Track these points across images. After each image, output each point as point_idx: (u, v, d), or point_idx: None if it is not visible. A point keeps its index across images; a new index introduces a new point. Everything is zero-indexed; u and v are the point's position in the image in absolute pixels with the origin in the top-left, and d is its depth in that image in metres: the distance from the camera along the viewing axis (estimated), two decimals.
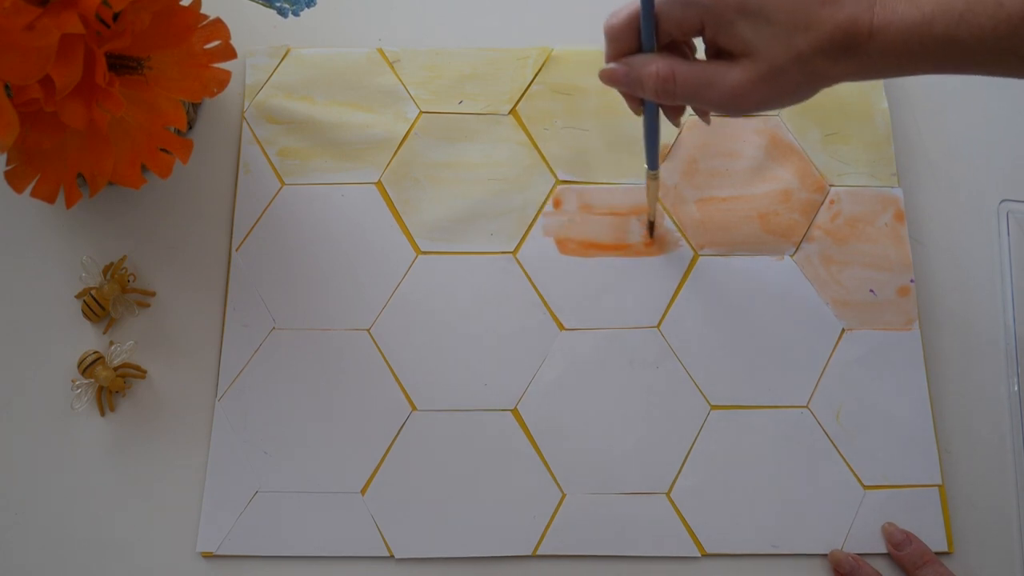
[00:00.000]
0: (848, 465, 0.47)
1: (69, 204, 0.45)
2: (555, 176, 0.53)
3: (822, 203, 0.52)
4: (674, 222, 0.52)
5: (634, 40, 0.39)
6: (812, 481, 0.47)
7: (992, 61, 0.36)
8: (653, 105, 0.43)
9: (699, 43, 0.41)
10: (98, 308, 0.49)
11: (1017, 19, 0.34)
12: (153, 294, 0.51)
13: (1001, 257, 0.52)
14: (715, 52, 0.39)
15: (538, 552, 0.46)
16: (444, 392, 0.49)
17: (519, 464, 0.47)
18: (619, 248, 0.51)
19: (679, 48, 0.41)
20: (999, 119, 0.55)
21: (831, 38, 0.36)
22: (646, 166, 0.47)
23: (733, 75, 0.38)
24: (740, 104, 0.38)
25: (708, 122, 0.45)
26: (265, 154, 0.53)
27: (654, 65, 0.39)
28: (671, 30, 0.39)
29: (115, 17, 0.40)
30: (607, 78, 0.40)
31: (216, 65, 0.45)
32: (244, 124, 0.54)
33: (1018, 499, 0.47)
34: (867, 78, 0.38)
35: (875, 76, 0.38)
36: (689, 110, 0.44)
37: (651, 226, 0.51)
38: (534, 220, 0.52)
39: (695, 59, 0.39)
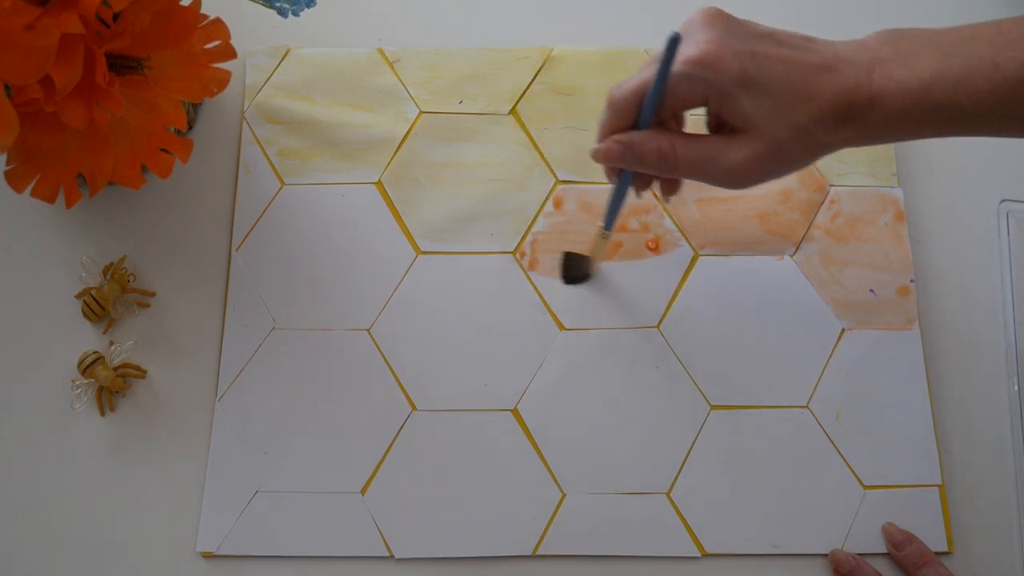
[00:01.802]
0: (848, 465, 0.47)
1: (69, 204, 0.45)
2: (555, 176, 0.53)
3: (822, 203, 0.52)
4: (674, 222, 0.52)
5: (633, 114, 0.39)
6: (812, 481, 0.47)
7: (992, 124, 0.36)
8: (629, 176, 0.42)
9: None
10: (98, 308, 0.49)
11: (1014, 82, 0.34)
12: (153, 294, 0.51)
13: (1001, 257, 0.52)
14: (717, 125, 0.39)
15: (538, 552, 0.46)
16: (444, 392, 0.49)
17: (519, 464, 0.47)
18: (619, 248, 0.51)
19: (667, 124, 0.40)
20: None
21: (831, 107, 0.36)
22: (602, 226, 0.46)
23: (734, 153, 0.37)
24: (741, 181, 0.38)
25: (669, 199, 0.45)
26: (265, 154, 0.53)
27: (655, 142, 0.38)
28: (675, 104, 0.38)
29: (115, 17, 0.40)
30: (604, 157, 0.39)
31: (216, 65, 0.45)
32: (244, 124, 0.54)
33: (1018, 499, 0.47)
34: (867, 144, 0.38)
35: (875, 142, 0.38)
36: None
37: (587, 276, 0.51)
38: (534, 220, 0.52)
39: (694, 135, 0.39)
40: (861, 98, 0.36)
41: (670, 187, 0.44)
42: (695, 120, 0.42)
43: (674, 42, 0.36)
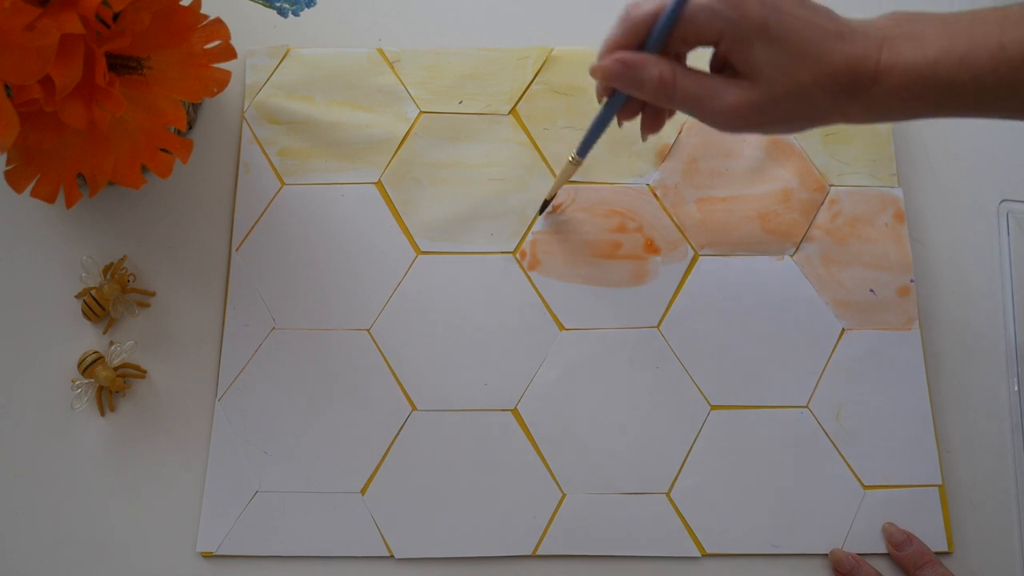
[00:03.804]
0: (848, 465, 0.47)
1: (69, 204, 0.45)
2: (555, 176, 0.53)
3: (822, 203, 0.52)
4: (674, 222, 0.52)
5: (643, 36, 0.38)
6: (812, 481, 0.47)
7: (992, 102, 0.36)
8: (619, 100, 0.41)
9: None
10: (98, 308, 0.49)
11: (1018, 62, 0.35)
12: (153, 294, 0.51)
13: (1001, 257, 0.52)
14: (721, 66, 0.39)
15: (538, 552, 0.46)
16: (444, 392, 0.49)
17: (519, 464, 0.47)
18: (619, 248, 0.51)
19: (670, 57, 0.40)
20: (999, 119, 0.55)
21: (837, 75, 0.36)
22: (575, 152, 0.46)
23: (732, 94, 0.37)
24: (733, 124, 0.38)
25: (644, 138, 0.44)
26: (265, 154, 0.53)
27: (657, 68, 0.38)
28: (687, 35, 0.37)
29: (115, 17, 0.40)
30: (603, 74, 0.38)
31: (216, 65, 0.45)
32: (244, 124, 0.54)
33: (1018, 499, 0.47)
34: (868, 121, 0.38)
35: (877, 119, 0.38)
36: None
37: (545, 204, 0.51)
38: (534, 220, 0.52)
39: (696, 69, 0.39)
40: (868, 70, 0.36)
41: (653, 123, 0.43)
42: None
43: None
